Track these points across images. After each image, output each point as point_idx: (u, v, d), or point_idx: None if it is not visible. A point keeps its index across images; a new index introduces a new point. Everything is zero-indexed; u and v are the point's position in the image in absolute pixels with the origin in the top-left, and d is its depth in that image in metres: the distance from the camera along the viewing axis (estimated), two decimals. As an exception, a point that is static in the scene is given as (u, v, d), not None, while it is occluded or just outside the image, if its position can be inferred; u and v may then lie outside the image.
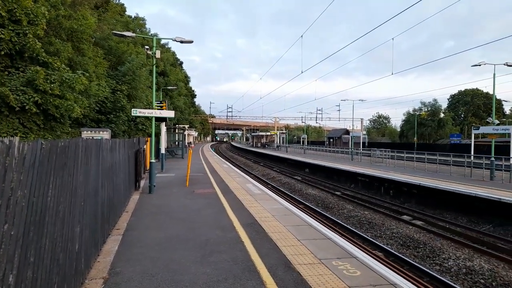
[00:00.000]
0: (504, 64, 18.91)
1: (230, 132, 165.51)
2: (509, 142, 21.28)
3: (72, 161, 4.26)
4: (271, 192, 13.60)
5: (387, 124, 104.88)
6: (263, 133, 74.89)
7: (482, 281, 7.90)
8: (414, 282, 7.01)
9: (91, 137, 8.18)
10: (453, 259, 9.01)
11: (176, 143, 35.52)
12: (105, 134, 13.89)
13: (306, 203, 16.20)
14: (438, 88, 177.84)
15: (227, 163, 28.89)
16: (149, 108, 16.17)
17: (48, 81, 13.98)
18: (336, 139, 77.45)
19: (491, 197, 12.39)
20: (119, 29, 25.27)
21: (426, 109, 69.19)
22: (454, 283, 7.63)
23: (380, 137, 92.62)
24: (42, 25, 14.45)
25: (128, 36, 13.26)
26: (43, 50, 14.88)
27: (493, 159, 18.07)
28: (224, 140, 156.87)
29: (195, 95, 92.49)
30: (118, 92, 23.15)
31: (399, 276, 5.36)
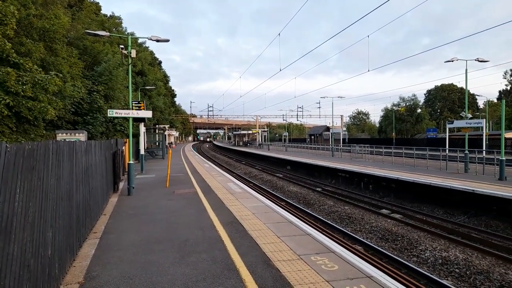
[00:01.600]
0: (475, 60, 19.53)
1: (212, 131, 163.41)
2: (482, 135, 22.03)
3: (42, 164, 4.15)
4: (252, 190, 13.61)
5: (367, 120, 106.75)
6: (245, 132, 74.83)
7: (457, 270, 8.15)
8: (392, 274, 7.16)
9: (65, 140, 7.98)
10: (429, 250, 9.25)
11: (157, 143, 35.09)
12: (81, 136, 13.58)
13: (288, 200, 16.30)
14: (415, 84, 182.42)
15: (209, 162, 28.75)
16: (127, 109, 15.88)
17: (20, 83, 13.56)
18: (317, 136, 78.23)
19: (465, 189, 12.77)
20: (94, 28, 24.69)
21: (404, 104, 70.79)
22: (431, 274, 7.84)
23: (360, 133, 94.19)
24: (12, 24, 13.98)
25: (102, 35, 12.98)
26: (13, 50, 14.41)
27: (467, 152, 18.63)
28: (207, 139, 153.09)
29: (175, 94, 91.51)
30: (95, 93, 22.64)
31: (376, 269, 5.46)
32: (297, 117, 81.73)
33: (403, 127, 70.06)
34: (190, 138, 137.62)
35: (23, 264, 3.39)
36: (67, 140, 7.33)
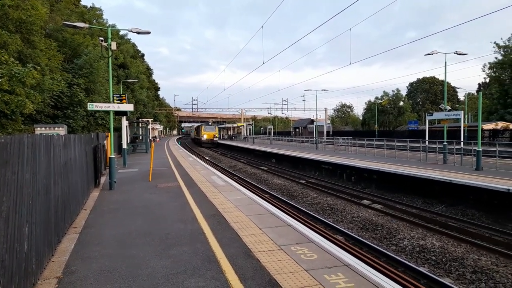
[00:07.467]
0: (454, 53, 19.92)
1: (197, 125, 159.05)
2: (461, 127, 22.56)
3: (16, 158, 4.08)
4: (235, 183, 13.66)
5: (350, 113, 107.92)
6: (230, 125, 74.82)
7: (433, 257, 8.41)
8: (370, 262, 7.35)
9: (41, 134, 7.84)
10: (407, 239, 9.50)
11: (140, 137, 34.69)
12: (61, 130, 13.33)
13: (271, 193, 16.42)
14: (400, 76, 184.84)
15: (193, 156, 28.63)
16: (108, 102, 15.62)
17: (-5, 76, 13.17)
18: (302, 129, 78.67)
19: (443, 179, 13.12)
20: (73, 20, 24.11)
21: (387, 98, 71.90)
22: (408, 261, 8.07)
23: (344, 125, 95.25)
24: (-14, 15, 13.54)
25: (81, 27, 12.69)
26: (-12, 42, 13.97)
27: (445, 143, 19.10)
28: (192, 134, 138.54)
29: (159, 87, 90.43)
30: (75, 86, 22.19)
31: (354, 258, 5.59)
32: (281, 110, 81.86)
33: (385, 120, 71.18)
34: (175, 132, 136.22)
35: (-3, 259, 3.35)
36: (45, 134, 7.21)
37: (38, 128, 13.59)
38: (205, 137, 52.85)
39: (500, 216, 11.19)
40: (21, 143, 4.31)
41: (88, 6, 39.74)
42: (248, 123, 69.78)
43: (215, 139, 53.40)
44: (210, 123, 59.64)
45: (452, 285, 6.76)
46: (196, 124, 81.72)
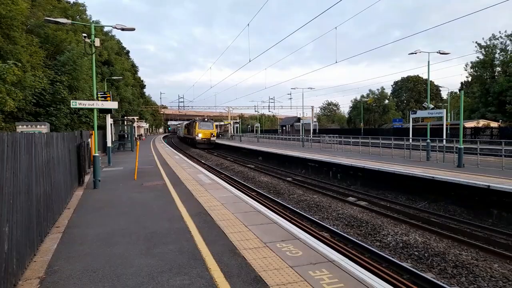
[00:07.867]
0: (437, 52, 20.30)
1: (184, 123, 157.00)
2: (443, 124, 23.04)
3: (-5, 157, 3.99)
4: (222, 181, 13.64)
5: (337, 111, 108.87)
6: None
7: (416, 253, 8.58)
8: (354, 258, 7.46)
9: (22, 132, 7.69)
10: (391, 235, 9.67)
11: (125, 135, 34.24)
12: (43, 128, 13.08)
13: (258, 190, 16.45)
14: (385, 75, 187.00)
15: (179, 154, 28.44)
16: (93, 100, 15.35)
17: (-26, 72, 12.83)
18: (289, 127, 79.09)
19: (426, 176, 13.38)
20: (56, 15, 23.61)
21: (373, 96, 72.89)
22: (392, 257, 8.21)
23: (330, 123, 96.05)
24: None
25: (64, 23, 12.45)
26: (-34, 38, 13.58)
27: (428, 141, 19.47)
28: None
29: (144, 85, 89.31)
30: (58, 83, 21.76)
31: (339, 254, 5.66)
32: (268, 108, 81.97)
33: (371, 118, 72.12)
34: (161, 130, 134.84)
35: (-25, 260, 3.28)
36: (26, 132, 7.06)
37: (20, 126, 13.31)
38: (200, 136, 43.73)
39: (480, 212, 11.49)
40: (1, 141, 4.22)
41: (71, 2, 38.99)
42: (235, 121, 69.73)
43: (212, 138, 44.32)
44: (206, 119, 50.06)
45: (434, 280, 6.91)
46: (185, 122, 70.93)
